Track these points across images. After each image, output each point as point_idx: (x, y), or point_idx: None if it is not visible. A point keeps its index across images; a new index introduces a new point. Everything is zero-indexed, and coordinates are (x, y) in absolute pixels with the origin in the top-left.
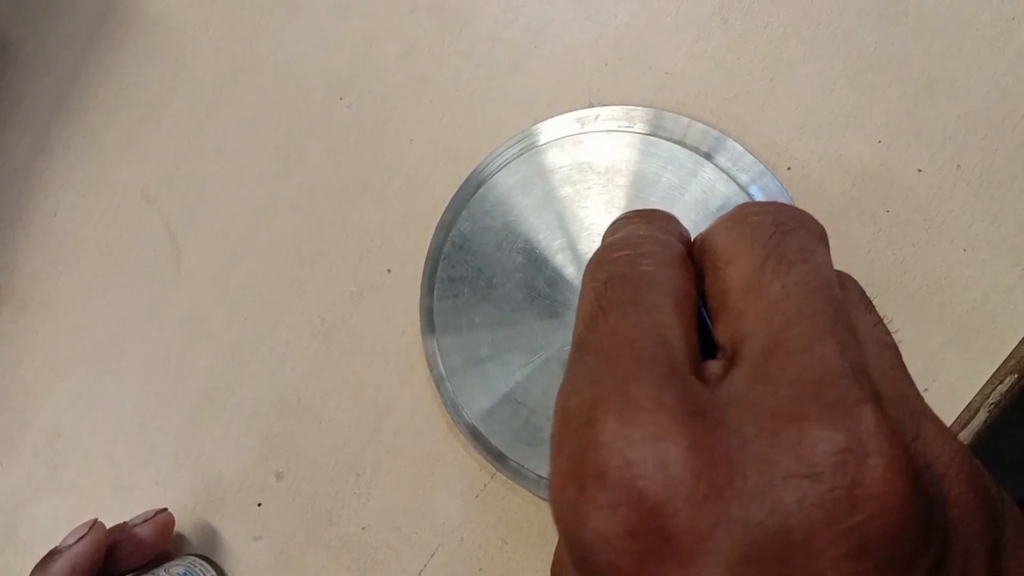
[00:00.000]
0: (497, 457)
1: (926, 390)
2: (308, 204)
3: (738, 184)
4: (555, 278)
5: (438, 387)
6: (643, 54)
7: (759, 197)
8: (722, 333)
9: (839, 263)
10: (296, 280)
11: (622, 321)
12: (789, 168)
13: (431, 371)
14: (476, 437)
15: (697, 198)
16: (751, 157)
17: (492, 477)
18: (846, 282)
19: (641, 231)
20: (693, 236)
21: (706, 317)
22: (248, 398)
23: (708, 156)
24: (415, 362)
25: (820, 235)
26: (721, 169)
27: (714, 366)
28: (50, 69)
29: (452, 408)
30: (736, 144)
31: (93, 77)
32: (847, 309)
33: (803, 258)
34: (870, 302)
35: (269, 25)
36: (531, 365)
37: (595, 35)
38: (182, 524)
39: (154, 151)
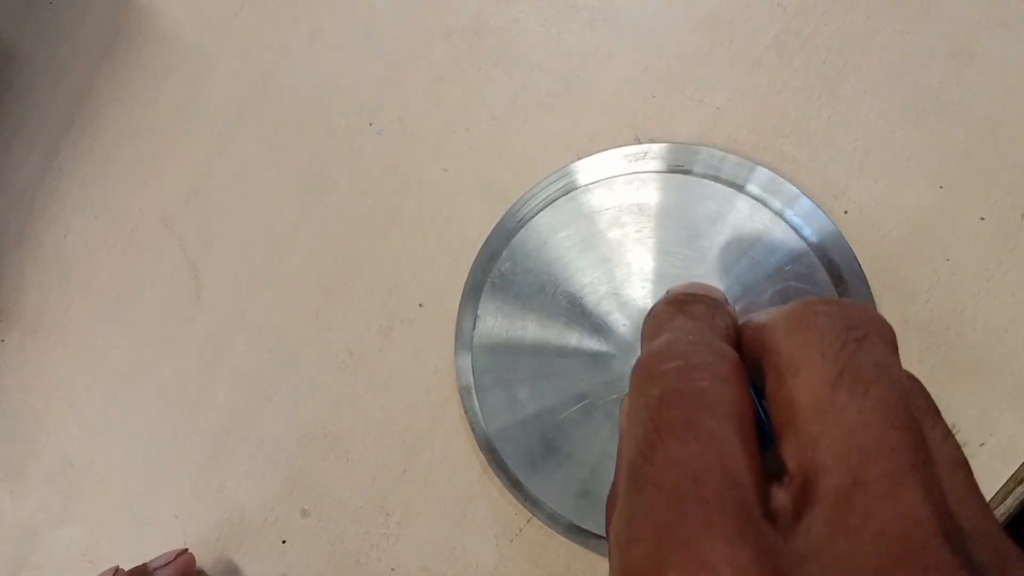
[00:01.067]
0: (535, 504)
1: (982, 444)
2: (334, 233)
3: (801, 236)
4: (600, 325)
5: (473, 428)
6: (693, 87)
7: (812, 239)
8: (790, 456)
9: (896, 312)
10: (322, 312)
11: (682, 450)
12: (846, 212)
13: (465, 412)
14: (512, 482)
15: (751, 245)
16: (809, 202)
17: (528, 522)
18: (914, 389)
19: (690, 333)
20: (746, 293)
21: (761, 411)
22: (271, 432)
23: (763, 201)
24: (447, 400)
25: (892, 342)
26: (776, 213)
27: (782, 497)
28: (59, 83)
29: (487, 451)
30: (792, 187)
31: (104, 94)
32: (923, 430)
33: (879, 375)
34: (937, 410)
35: (291, 46)
36: (573, 412)
37: (643, 65)
38: (203, 559)
39: (170, 174)
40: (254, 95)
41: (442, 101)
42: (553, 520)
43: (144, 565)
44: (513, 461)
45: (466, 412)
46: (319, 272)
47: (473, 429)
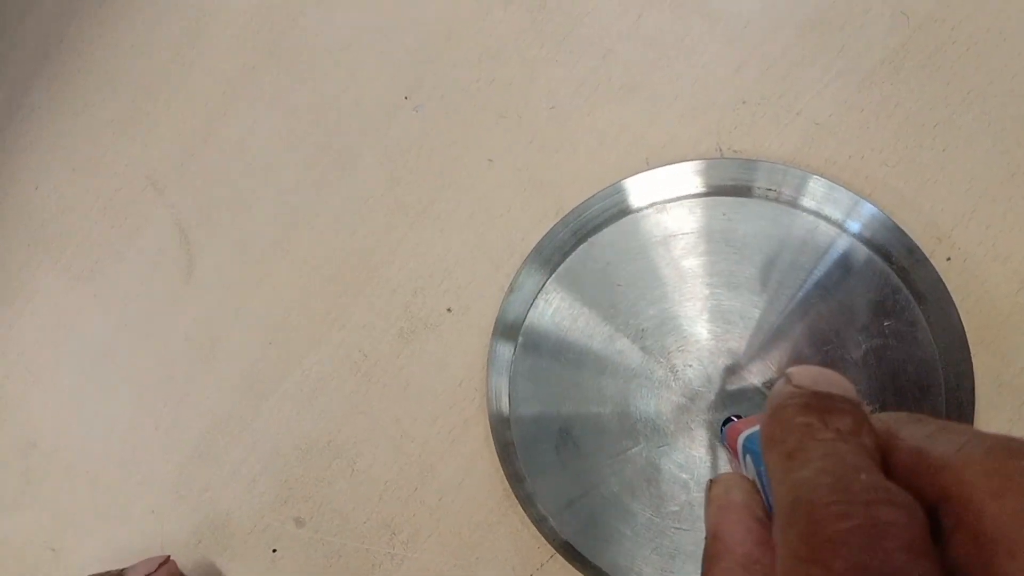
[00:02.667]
0: (561, 545)
1: None
2: (355, 220)
3: (906, 285)
4: (663, 363)
5: (501, 455)
6: (791, 96)
7: (914, 288)
8: None
9: (990, 374)
10: (335, 307)
11: None
12: (949, 259)
13: (494, 435)
14: (537, 516)
15: (846, 291)
16: (915, 245)
17: (551, 558)
18: None
19: (849, 463)
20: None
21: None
22: (267, 433)
23: (863, 239)
24: (472, 419)
25: None
26: (875, 253)
27: None
28: (34, 11)
29: (514, 479)
30: (897, 225)
31: (86, 30)
32: None
33: None
34: None
35: None
36: (619, 456)
37: (735, 64)
38: (183, 561)
39: (163, 132)
40: (270, 45)
41: (494, 80)
42: (580, 561)
43: (121, 572)
44: (543, 493)
45: (494, 432)
46: (334, 262)
47: (499, 451)
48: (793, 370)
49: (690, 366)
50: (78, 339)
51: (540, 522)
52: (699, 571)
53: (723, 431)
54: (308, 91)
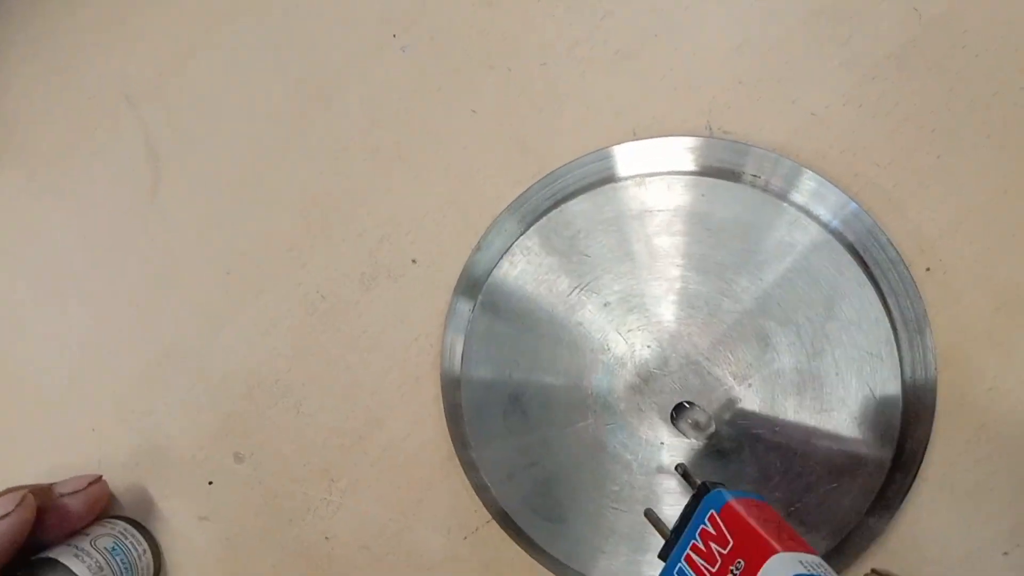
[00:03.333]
0: (498, 512)
1: (1006, 554)
2: (328, 159)
3: (876, 288)
4: (622, 341)
5: (449, 416)
6: (790, 82)
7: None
8: None
9: (955, 390)
10: (298, 245)
11: None
12: (928, 269)
13: (444, 394)
14: (478, 481)
15: (818, 289)
16: (893, 251)
17: (487, 523)
18: None
19: None
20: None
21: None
22: (216, 365)
23: (841, 237)
24: (424, 376)
25: None
26: (851, 252)
27: None
28: None
29: (459, 442)
30: (880, 232)
31: None
32: None
33: None
34: None
35: None
36: (566, 429)
37: (736, 42)
38: (117, 483)
39: (143, 46)
40: None
41: (487, 29)
42: (516, 531)
43: (50, 487)
44: (486, 458)
45: (444, 390)
46: (302, 199)
47: (447, 411)
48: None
49: (649, 346)
50: (36, 249)
51: (480, 487)
52: (632, 552)
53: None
54: (295, 20)
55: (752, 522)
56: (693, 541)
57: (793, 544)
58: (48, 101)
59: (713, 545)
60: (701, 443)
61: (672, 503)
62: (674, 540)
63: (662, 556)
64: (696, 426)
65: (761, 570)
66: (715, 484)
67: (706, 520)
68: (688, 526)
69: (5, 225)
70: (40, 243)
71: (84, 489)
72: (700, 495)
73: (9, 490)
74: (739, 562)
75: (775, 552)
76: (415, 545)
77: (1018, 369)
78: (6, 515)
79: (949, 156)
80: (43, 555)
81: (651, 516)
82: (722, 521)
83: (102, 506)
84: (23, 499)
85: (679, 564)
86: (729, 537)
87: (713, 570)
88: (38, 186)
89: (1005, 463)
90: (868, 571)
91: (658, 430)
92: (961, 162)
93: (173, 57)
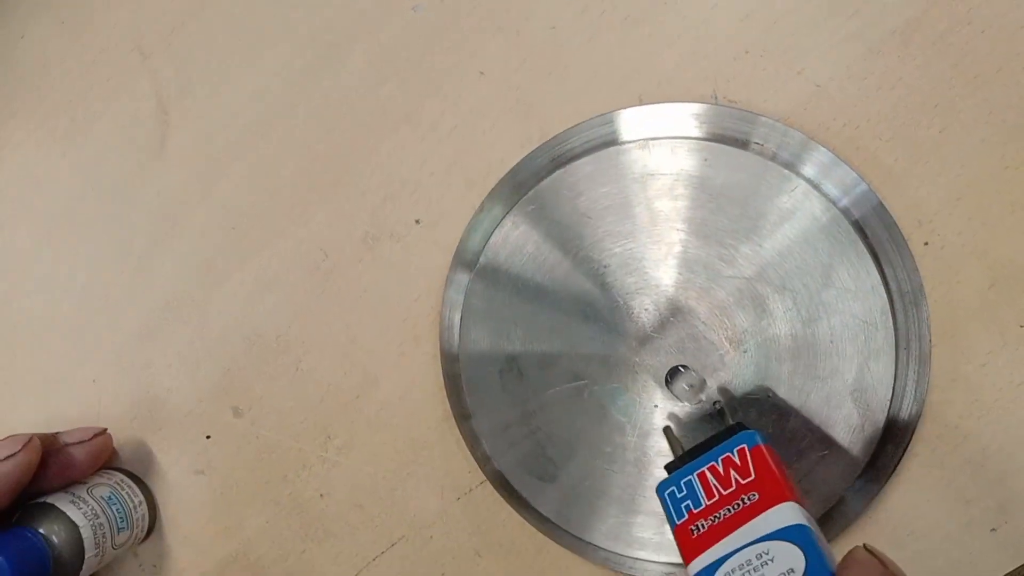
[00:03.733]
0: (493, 469)
1: (993, 530)
2: (335, 116)
3: (873, 257)
4: (619, 302)
5: (446, 376)
6: (795, 53)
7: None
8: None
9: (947, 366)
10: (302, 202)
11: None
12: (926, 243)
13: (442, 356)
14: (475, 443)
15: (815, 253)
16: (892, 221)
17: (480, 484)
18: None
19: None
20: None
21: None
22: (216, 320)
23: (839, 205)
24: (423, 336)
25: None
26: (849, 221)
27: None
28: None
29: (456, 403)
30: (881, 205)
31: None
32: None
33: None
34: None
35: None
36: (562, 391)
37: (744, 12)
38: (115, 435)
39: None
40: None
41: None
42: (509, 491)
43: (55, 436)
44: (481, 418)
45: (443, 350)
46: (308, 156)
47: (444, 371)
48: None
49: (646, 309)
50: (42, 198)
51: (475, 448)
52: (622, 514)
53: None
54: None
55: (776, 469)
56: (713, 463)
57: (805, 502)
58: (62, 50)
59: (733, 473)
60: (695, 406)
61: (664, 464)
62: (687, 458)
63: (669, 468)
64: (690, 389)
65: (772, 508)
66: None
67: (735, 451)
68: (710, 451)
69: (13, 174)
70: (47, 193)
71: (89, 440)
72: (734, 430)
73: (15, 435)
74: (753, 494)
75: (789, 499)
76: (408, 505)
77: (1011, 346)
78: (11, 455)
79: (951, 132)
80: (40, 500)
81: (668, 433)
82: (751, 456)
83: (105, 458)
84: (29, 441)
85: (689, 476)
86: (752, 471)
87: (724, 492)
88: (47, 135)
89: (995, 440)
90: (860, 545)
91: (652, 393)
92: (962, 138)
93: (186, 8)
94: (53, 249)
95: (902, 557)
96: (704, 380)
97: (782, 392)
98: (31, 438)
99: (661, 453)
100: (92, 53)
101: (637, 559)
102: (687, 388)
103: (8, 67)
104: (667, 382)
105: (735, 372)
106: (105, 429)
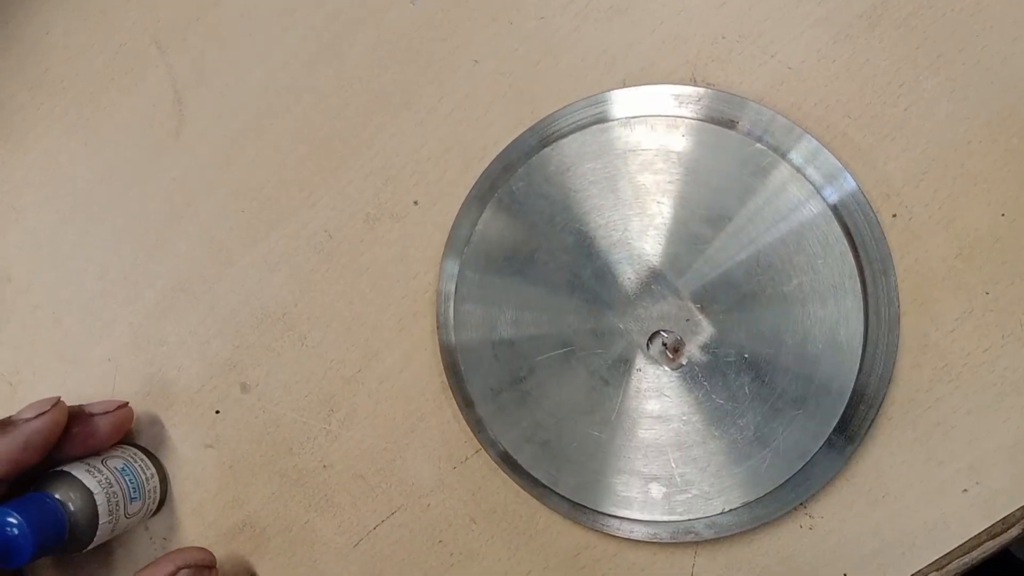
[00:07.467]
0: (487, 437)
1: (965, 491)
2: (338, 104)
3: (842, 227)
4: (604, 272)
5: (443, 348)
6: (769, 38)
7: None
8: None
9: (918, 332)
10: (308, 185)
11: None
12: (894, 215)
13: (439, 329)
14: (469, 408)
15: (784, 223)
16: (859, 194)
17: (476, 453)
18: None
19: None
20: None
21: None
22: (227, 298)
23: (808, 177)
24: (421, 312)
25: None
26: (818, 193)
27: None
28: None
29: (452, 374)
30: (849, 178)
31: None
32: None
33: None
34: None
35: None
36: (552, 357)
37: (720, 0)
38: None
39: None
40: None
41: None
42: (502, 458)
43: (81, 407)
44: (475, 387)
45: (439, 323)
46: (314, 141)
47: (441, 343)
48: None
49: (629, 279)
50: (63, 183)
51: (470, 414)
52: (610, 475)
53: None
54: None
55: None
56: None
57: None
58: (84, 44)
59: None
60: (675, 369)
61: (647, 427)
62: None
63: None
64: (670, 353)
65: None
66: None
67: None
68: None
69: (35, 160)
70: (68, 179)
71: (112, 411)
72: None
73: (42, 399)
74: None
75: None
76: (407, 474)
77: (978, 312)
78: (42, 413)
79: (915, 109)
80: (56, 469)
81: None
82: None
83: (125, 430)
84: (57, 402)
85: None
86: None
87: None
88: (69, 124)
89: (965, 403)
90: None
91: (636, 357)
92: (926, 115)
93: (198, 7)
94: (73, 232)
95: (877, 518)
96: (683, 342)
97: (758, 354)
98: (58, 400)
99: (644, 415)
100: (113, 47)
101: (623, 518)
102: (666, 351)
103: (34, 61)
104: (648, 346)
105: (712, 335)
106: (127, 403)
